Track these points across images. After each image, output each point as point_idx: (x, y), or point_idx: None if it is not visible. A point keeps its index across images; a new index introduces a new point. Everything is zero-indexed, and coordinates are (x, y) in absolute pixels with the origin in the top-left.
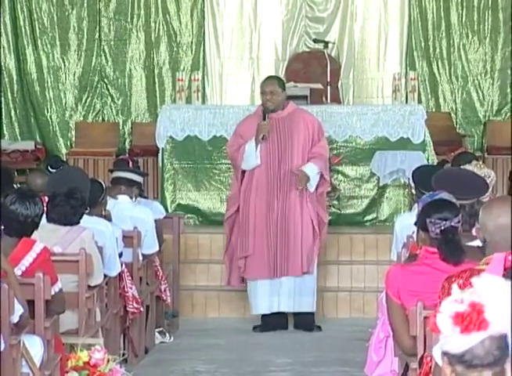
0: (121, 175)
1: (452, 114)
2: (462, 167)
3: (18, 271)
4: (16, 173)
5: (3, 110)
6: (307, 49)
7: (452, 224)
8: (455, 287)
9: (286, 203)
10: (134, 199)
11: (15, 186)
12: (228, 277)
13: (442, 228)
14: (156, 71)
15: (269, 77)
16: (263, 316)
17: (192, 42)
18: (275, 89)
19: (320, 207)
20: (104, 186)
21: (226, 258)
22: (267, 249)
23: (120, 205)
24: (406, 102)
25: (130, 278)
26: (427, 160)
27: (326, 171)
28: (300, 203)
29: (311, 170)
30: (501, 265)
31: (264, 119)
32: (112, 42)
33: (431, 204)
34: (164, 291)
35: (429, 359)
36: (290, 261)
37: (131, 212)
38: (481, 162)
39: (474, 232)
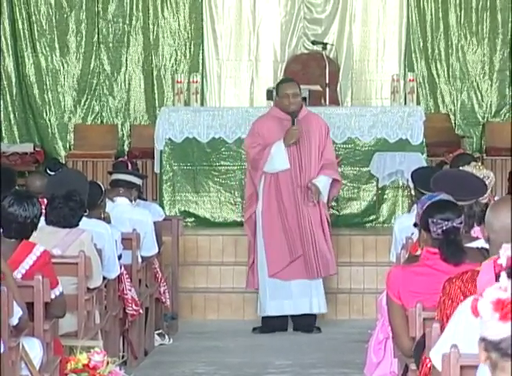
0: (120, 178)
1: (451, 115)
2: (461, 168)
3: (18, 274)
4: None
5: (2, 112)
6: (305, 51)
7: (454, 224)
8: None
9: (310, 206)
10: (133, 201)
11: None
12: (252, 280)
13: (444, 228)
14: (154, 73)
15: (287, 80)
16: (263, 317)
17: (190, 44)
18: (296, 91)
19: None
20: (103, 188)
21: (251, 259)
22: (304, 250)
23: (119, 207)
24: (405, 103)
25: (129, 280)
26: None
27: (337, 173)
28: (318, 206)
29: (323, 182)
30: (492, 271)
31: (293, 124)
32: (110, 44)
33: (434, 205)
34: (164, 293)
35: (428, 360)
36: (323, 262)
37: (130, 214)
38: (479, 163)
39: (473, 233)
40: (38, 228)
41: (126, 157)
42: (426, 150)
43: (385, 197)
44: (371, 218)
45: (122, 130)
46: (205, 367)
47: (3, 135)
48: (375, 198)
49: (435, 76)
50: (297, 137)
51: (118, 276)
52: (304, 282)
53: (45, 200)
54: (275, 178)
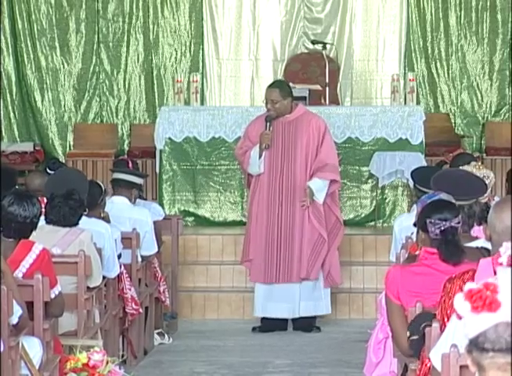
0: (121, 177)
1: (451, 115)
2: (461, 167)
3: (19, 273)
4: None
5: (2, 112)
6: (305, 50)
7: (452, 224)
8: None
9: (289, 210)
10: (133, 200)
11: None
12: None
13: (442, 228)
14: (154, 73)
15: (271, 85)
16: (262, 317)
17: (190, 43)
18: (276, 98)
19: (335, 205)
20: (103, 188)
21: None
22: (268, 255)
23: (118, 206)
24: (405, 103)
25: (129, 279)
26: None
27: (334, 173)
28: (302, 210)
29: (317, 184)
30: (490, 269)
31: (266, 127)
32: (110, 44)
33: (431, 205)
34: (163, 292)
35: (427, 360)
36: (290, 267)
37: (129, 214)
38: (479, 163)
39: (472, 233)
40: (38, 227)
41: (126, 156)
42: (426, 149)
43: (385, 196)
44: (371, 217)
45: (122, 129)
46: (205, 367)
47: (3, 134)
48: (375, 198)
49: (435, 76)
50: (268, 141)
51: (118, 276)
52: (269, 287)
53: (45, 199)
54: (257, 180)
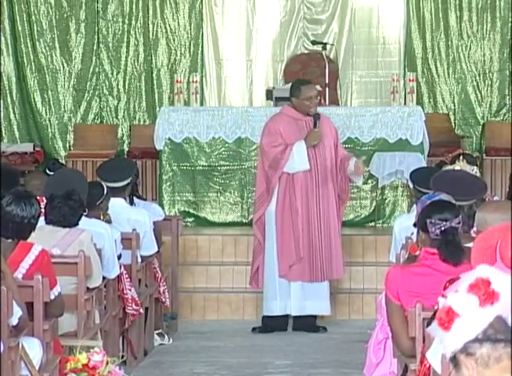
0: (107, 185)
1: (451, 115)
2: (448, 167)
3: (19, 274)
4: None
5: (2, 112)
6: (305, 51)
7: (453, 225)
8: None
9: (326, 206)
10: (127, 199)
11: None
12: (254, 279)
13: (442, 229)
14: (154, 73)
15: (307, 82)
16: (263, 317)
17: (190, 44)
18: (317, 93)
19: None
20: (105, 188)
21: (259, 260)
22: (310, 253)
23: (116, 208)
24: (405, 103)
25: (129, 280)
26: None
27: None
28: (336, 205)
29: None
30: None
31: (315, 126)
32: (110, 44)
33: (432, 205)
34: (163, 292)
35: (427, 360)
36: (333, 263)
37: (127, 215)
38: (461, 158)
39: (472, 233)
40: (38, 227)
41: (126, 156)
42: (429, 149)
43: (385, 196)
44: (371, 218)
45: (122, 130)
46: (204, 367)
47: (3, 134)
48: (375, 198)
49: (435, 76)
50: (320, 139)
51: (118, 276)
52: (308, 284)
53: (44, 199)
54: (290, 178)
